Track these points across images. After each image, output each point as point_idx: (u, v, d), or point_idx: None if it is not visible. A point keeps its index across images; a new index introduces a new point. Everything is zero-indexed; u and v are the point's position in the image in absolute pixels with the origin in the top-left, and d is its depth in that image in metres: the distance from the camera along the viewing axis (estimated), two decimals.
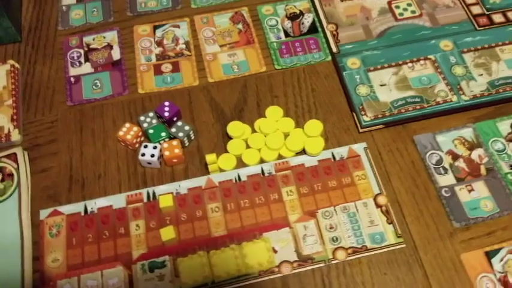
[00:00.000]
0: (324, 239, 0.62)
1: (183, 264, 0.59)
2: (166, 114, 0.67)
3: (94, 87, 0.74)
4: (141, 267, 0.60)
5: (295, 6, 0.82)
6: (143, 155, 0.66)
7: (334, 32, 0.79)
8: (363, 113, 0.70)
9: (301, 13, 0.81)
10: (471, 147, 0.68)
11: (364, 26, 0.79)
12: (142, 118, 0.69)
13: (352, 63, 0.76)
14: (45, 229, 0.63)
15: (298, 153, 0.68)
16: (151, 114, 0.69)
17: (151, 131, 0.68)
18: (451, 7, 0.81)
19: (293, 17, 0.81)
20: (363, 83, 0.73)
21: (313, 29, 0.80)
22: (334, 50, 0.77)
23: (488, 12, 0.80)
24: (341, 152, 0.68)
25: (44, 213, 0.64)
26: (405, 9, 0.81)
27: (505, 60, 0.75)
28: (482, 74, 0.73)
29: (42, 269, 0.60)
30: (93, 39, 0.79)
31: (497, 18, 0.80)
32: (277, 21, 0.81)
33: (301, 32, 0.80)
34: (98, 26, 0.81)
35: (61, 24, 0.82)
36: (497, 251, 0.61)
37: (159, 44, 0.78)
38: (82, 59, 0.77)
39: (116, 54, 0.77)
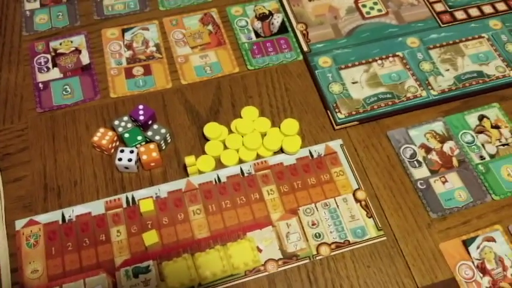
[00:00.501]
0: (307, 235, 0.62)
1: (168, 268, 0.59)
2: (142, 117, 0.66)
3: (64, 92, 0.72)
4: (125, 274, 0.59)
5: (264, 7, 0.83)
6: (120, 159, 0.64)
7: (304, 32, 0.80)
8: (337, 110, 0.71)
9: (271, 13, 0.82)
10: (442, 140, 0.70)
11: (333, 25, 0.81)
12: (117, 122, 0.68)
13: (324, 61, 0.77)
14: (22, 240, 0.61)
15: (276, 153, 0.69)
16: (125, 118, 0.68)
17: (127, 135, 0.67)
18: (415, 5, 0.83)
19: (262, 18, 0.81)
20: (335, 81, 0.74)
21: (283, 29, 0.81)
22: (305, 49, 0.78)
23: (450, 10, 0.83)
24: (318, 149, 0.69)
25: (19, 224, 0.62)
26: (372, 8, 0.82)
27: (469, 55, 0.77)
28: (448, 69, 0.76)
29: (22, 281, 0.58)
30: (60, 44, 0.77)
31: (460, 15, 0.82)
32: (247, 22, 0.81)
33: (271, 32, 0.80)
34: (64, 30, 0.79)
35: (25, 29, 0.79)
36: (473, 239, 0.63)
37: (129, 47, 0.77)
38: (50, 65, 0.75)
39: (85, 58, 0.76)
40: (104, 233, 0.62)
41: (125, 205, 0.64)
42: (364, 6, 0.83)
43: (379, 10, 0.82)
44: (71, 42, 0.77)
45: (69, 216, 0.63)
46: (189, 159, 0.65)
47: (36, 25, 0.80)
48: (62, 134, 0.69)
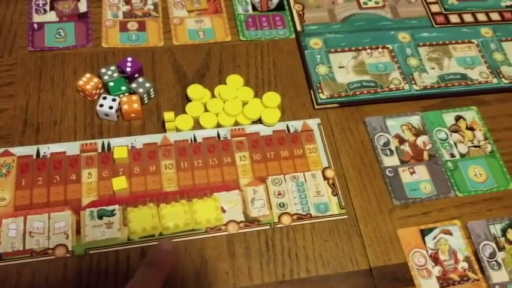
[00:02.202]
0: (272, 204, 0.64)
1: (132, 214, 0.60)
2: (128, 69, 0.68)
3: (57, 36, 0.74)
4: (89, 214, 0.60)
5: None
6: (101, 106, 0.66)
7: (301, 12, 0.81)
8: (319, 91, 0.73)
9: None
10: (417, 133, 0.72)
11: (329, 9, 0.82)
12: (103, 70, 0.69)
13: (315, 43, 0.78)
14: None
15: (254, 122, 0.70)
16: (112, 67, 0.69)
17: (111, 83, 0.68)
18: (412, 2, 0.85)
19: None
20: (323, 63, 0.76)
21: (280, 6, 0.82)
22: (299, 29, 0.79)
23: (445, 12, 0.85)
24: (296, 125, 0.71)
25: None
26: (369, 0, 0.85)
27: (456, 57, 0.79)
28: (434, 68, 0.78)
29: None
30: None
31: (454, 18, 0.84)
32: None
33: (268, 7, 0.82)
34: None
35: None
36: (431, 229, 0.64)
37: (128, 2, 0.78)
38: (47, 7, 0.76)
39: (83, 6, 0.77)
40: (75, 173, 0.63)
41: (100, 150, 0.65)
42: None
43: (377, 2, 0.84)
44: None
45: (44, 153, 0.64)
46: (167, 115, 0.66)
47: None
48: (49, 75, 0.71)
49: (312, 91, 0.73)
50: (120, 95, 0.68)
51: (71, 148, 0.65)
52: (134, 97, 0.67)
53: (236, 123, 0.70)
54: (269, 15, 0.81)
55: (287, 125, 0.70)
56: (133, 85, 0.68)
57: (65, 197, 0.61)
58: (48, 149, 0.64)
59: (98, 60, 0.73)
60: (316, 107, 0.72)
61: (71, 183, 0.62)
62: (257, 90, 0.73)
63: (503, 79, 0.78)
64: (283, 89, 0.74)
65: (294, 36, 0.79)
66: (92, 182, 0.63)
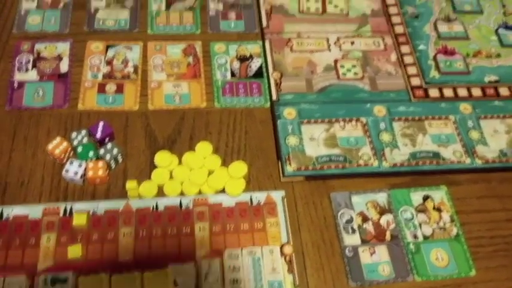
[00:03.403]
0: (225, 279, 0.64)
1: (83, 283, 0.61)
2: (98, 134, 0.70)
3: (36, 95, 0.76)
4: (43, 280, 0.61)
5: (247, 49, 0.86)
6: (67, 171, 0.68)
7: (278, 81, 0.82)
8: (287, 162, 0.74)
9: (251, 56, 0.85)
10: (382, 211, 0.72)
11: (307, 79, 0.83)
12: (74, 135, 0.71)
13: (289, 113, 0.79)
14: None
15: (218, 192, 0.71)
16: (83, 132, 0.71)
17: (79, 149, 0.70)
18: (392, 75, 0.86)
19: (242, 59, 0.84)
20: (294, 133, 0.77)
21: (259, 73, 0.84)
22: (274, 97, 0.80)
23: (426, 85, 0.85)
24: (260, 197, 0.71)
25: None
26: (349, 70, 0.85)
27: (431, 134, 0.79)
28: (406, 144, 0.78)
29: None
30: (45, 48, 0.81)
31: (433, 92, 0.84)
32: (226, 61, 0.84)
33: (247, 74, 0.83)
34: (52, 35, 0.83)
35: (16, 27, 0.84)
36: None
37: (109, 63, 0.81)
38: (30, 65, 0.79)
39: (64, 66, 0.80)
40: (35, 237, 0.64)
41: (61, 214, 0.67)
42: (342, 66, 0.85)
43: (356, 73, 0.85)
44: (56, 48, 0.81)
45: (7, 215, 0.66)
46: (130, 184, 0.68)
47: (27, 25, 0.84)
48: (23, 134, 0.73)
49: (280, 162, 0.74)
50: (87, 160, 0.69)
51: (34, 211, 0.66)
52: (100, 163, 0.68)
53: (200, 192, 0.71)
54: (247, 82, 0.82)
55: (251, 197, 0.71)
56: (101, 151, 0.70)
57: (21, 261, 0.63)
58: (12, 211, 0.66)
59: (72, 122, 0.75)
60: (283, 179, 0.73)
61: (30, 247, 0.64)
62: (225, 158, 0.74)
63: (476, 159, 0.77)
64: (251, 159, 0.75)
65: (268, 105, 0.80)
66: (50, 247, 0.64)
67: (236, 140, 0.76)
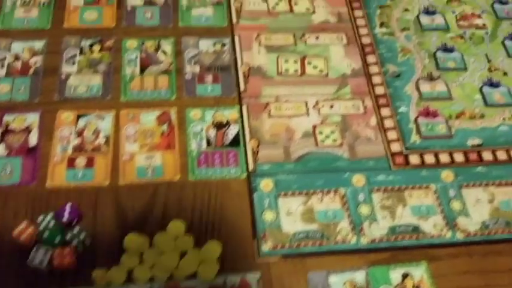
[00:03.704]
0: None
1: None
2: (65, 218, 0.68)
3: (3, 172, 0.74)
4: None
5: (224, 115, 0.83)
6: (32, 259, 0.65)
7: (255, 149, 0.80)
8: (264, 240, 0.71)
9: (228, 123, 0.83)
10: None
11: (285, 147, 0.81)
12: (40, 218, 0.68)
13: (265, 185, 0.77)
14: None
15: (190, 277, 0.69)
16: (50, 215, 0.69)
17: (46, 234, 0.67)
18: (372, 140, 0.84)
19: (219, 126, 0.82)
20: (271, 208, 0.75)
21: (235, 141, 0.81)
22: (251, 168, 0.78)
23: (406, 152, 0.83)
24: (233, 280, 0.69)
25: None
26: (327, 137, 0.83)
27: (411, 206, 0.77)
28: (385, 217, 0.75)
29: None
30: (13, 120, 0.78)
31: (414, 159, 0.82)
32: (202, 129, 0.82)
33: (223, 143, 0.81)
34: (21, 105, 0.81)
35: None
36: None
37: (79, 134, 0.78)
38: None
39: (33, 139, 0.77)
40: None
41: None
42: (320, 133, 0.83)
43: (334, 140, 0.83)
44: (25, 119, 0.79)
45: None
46: (96, 273, 0.65)
47: None
48: None
49: (255, 241, 0.72)
50: (53, 248, 0.67)
51: None
52: (67, 250, 0.66)
53: (172, 277, 0.68)
54: (223, 151, 0.80)
55: (225, 281, 0.68)
56: (68, 236, 0.67)
57: None
58: None
59: (40, 201, 0.72)
60: (258, 260, 0.71)
61: None
62: (199, 236, 0.71)
63: (458, 232, 0.75)
64: (226, 236, 0.72)
65: (245, 175, 0.78)
66: None
67: (211, 215, 0.74)
